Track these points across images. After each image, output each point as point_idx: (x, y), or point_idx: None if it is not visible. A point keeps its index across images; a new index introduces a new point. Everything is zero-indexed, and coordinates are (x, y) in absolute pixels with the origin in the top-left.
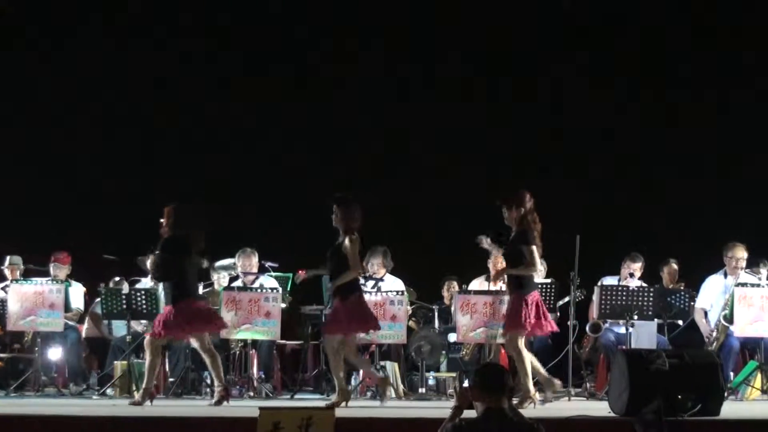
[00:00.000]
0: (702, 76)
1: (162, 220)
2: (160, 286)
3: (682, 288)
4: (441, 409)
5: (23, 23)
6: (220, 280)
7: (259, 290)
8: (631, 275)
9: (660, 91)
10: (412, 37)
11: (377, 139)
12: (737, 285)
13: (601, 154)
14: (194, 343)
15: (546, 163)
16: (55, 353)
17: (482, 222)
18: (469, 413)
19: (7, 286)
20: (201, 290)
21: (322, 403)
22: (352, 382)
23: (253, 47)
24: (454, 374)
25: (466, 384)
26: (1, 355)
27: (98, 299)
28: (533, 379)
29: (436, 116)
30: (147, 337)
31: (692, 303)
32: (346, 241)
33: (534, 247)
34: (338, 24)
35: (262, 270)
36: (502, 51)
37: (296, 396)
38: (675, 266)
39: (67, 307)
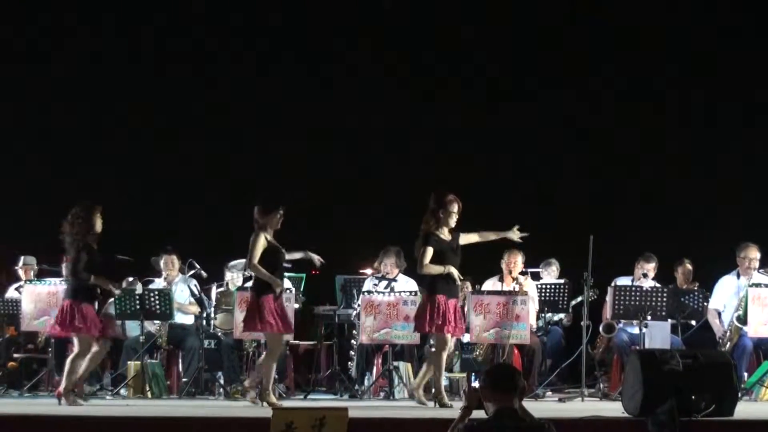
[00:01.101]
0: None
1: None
2: (174, 286)
3: (695, 288)
4: (454, 409)
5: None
6: (234, 280)
7: None
8: (645, 275)
9: (675, 90)
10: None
11: (383, 139)
12: (751, 285)
13: (615, 154)
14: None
15: (560, 162)
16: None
17: (494, 223)
18: (479, 413)
19: (21, 286)
20: (215, 290)
21: (335, 404)
22: (365, 382)
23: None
24: (466, 374)
25: (475, 384)
26: (15, 355)
27: (111, 299)
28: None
29: (441, 117)
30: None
31: (706, 303)
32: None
33: None
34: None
35: None
36: (501, 51)
37: (309, 396)
38: (689, 266)
39: None
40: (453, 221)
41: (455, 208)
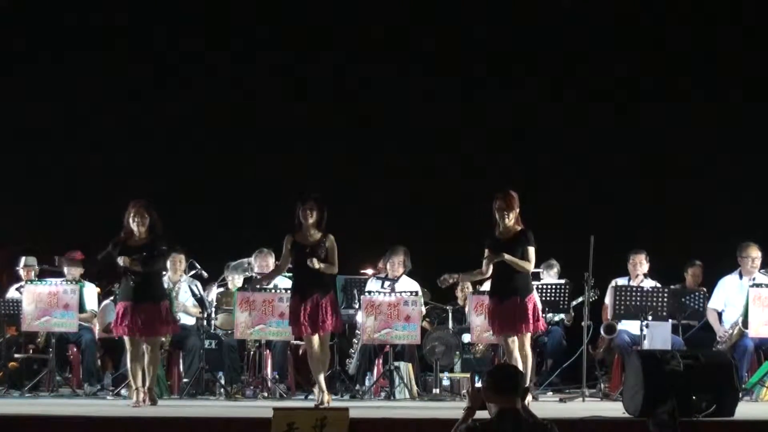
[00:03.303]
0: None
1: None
2: (177, 287)
3: (698, 289)
4: (455, 409)
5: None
6: (235, 280)
7: (273, 291)
8: (646, 276)
9: (679, 89)
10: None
11: (394, 138)
12: (752, 286)
13: (619, 154)
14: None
15: (563, 162)
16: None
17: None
18: (482, 413)
19: (21, 286)
20: (215, 290)
21: (336, 404)
22: (366, 382)
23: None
24: (468, 375)
25: (478, 384)
26: (16, 355)
27: (106, 302)
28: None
29: (445, 117)
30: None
31: (707, 303)
32: (332, 240)
33: None
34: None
35: None
36: (503, 51)
37: (310, 396)
38: (700, 268)
39: (81, 308)
40: (501, 219)
41: (495, 205)
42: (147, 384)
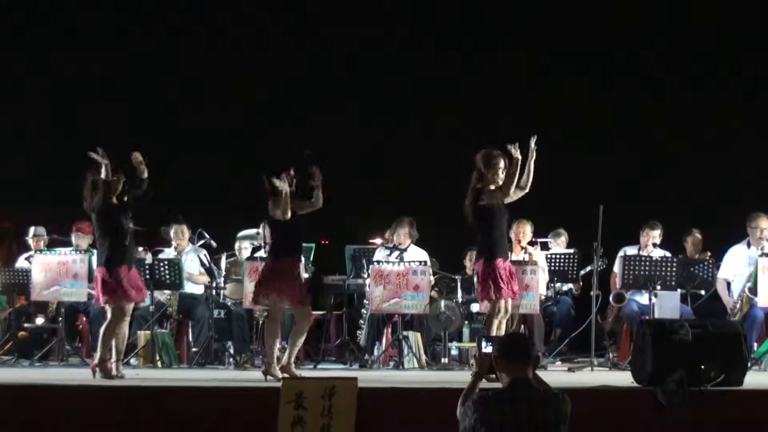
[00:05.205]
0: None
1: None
2: (184, 256)
3: (706, 258)
4: (463, 380)
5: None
6: (243, 250)
7: None
8: (655, 245)
9: (686, 65)
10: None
11: (388, 112)
12: (761, 255)
13: (625, 127)
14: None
15: (569, 134)
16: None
17: None
18: (490, 384)
19: (31, 256)
20: (224, 260)
21: (345, 373)
22: (375, 351)
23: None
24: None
25: (485, 350)
26: (26, 325)
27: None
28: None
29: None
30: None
31: (716, 272)
32: None
33: None
34: None
35: None
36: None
37: (319, 366)
38: (699, 236)
39: (90, 277)
40: (496, 176)
41: (491, 161)
42: (115, 356)
